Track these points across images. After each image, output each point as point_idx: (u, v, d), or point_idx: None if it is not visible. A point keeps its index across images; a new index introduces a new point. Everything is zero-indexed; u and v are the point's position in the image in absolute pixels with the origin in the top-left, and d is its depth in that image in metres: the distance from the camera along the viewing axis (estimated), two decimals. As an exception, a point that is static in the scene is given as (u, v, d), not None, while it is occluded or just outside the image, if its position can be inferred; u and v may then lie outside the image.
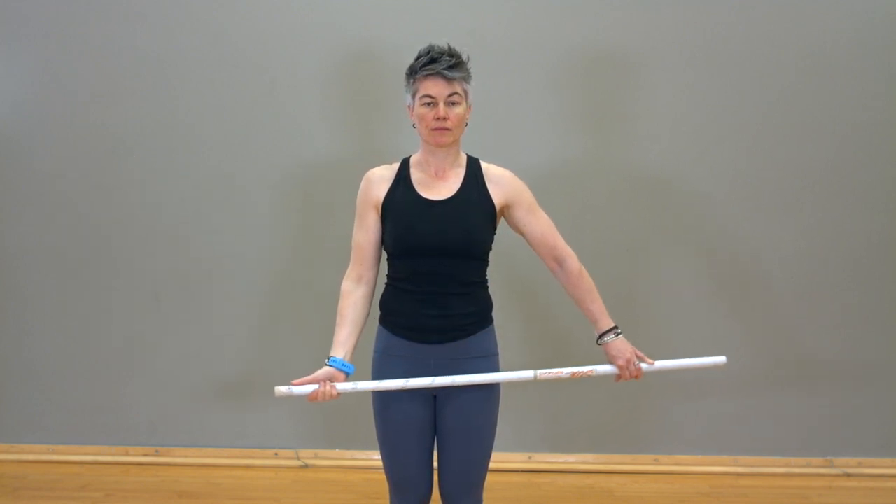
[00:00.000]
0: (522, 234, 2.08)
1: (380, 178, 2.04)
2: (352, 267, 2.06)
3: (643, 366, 2.09)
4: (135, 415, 3.45)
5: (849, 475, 3.32)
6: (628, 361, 2.06)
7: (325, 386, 1.95)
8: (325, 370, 1.98)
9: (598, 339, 2.12)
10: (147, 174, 3.36)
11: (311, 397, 1.97)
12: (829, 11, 3.19)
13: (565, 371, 2.04)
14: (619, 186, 3.27)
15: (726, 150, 3.26)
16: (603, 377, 2.11)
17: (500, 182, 2.03)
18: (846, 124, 3.24)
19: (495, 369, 2.05)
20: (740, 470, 3.34)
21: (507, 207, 2.04)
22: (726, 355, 3.29)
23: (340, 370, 1.98)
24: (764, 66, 3.21)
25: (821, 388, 3.34)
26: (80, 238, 3.38)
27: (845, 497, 3.16)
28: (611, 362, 2.09)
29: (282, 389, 1.98)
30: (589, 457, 3.38)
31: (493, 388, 2.04)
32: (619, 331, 2.11)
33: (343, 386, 1.96)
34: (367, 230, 2.03)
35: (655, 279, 3.31)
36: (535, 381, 2.04)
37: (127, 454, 3.44)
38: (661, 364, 2.11)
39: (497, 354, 2.07)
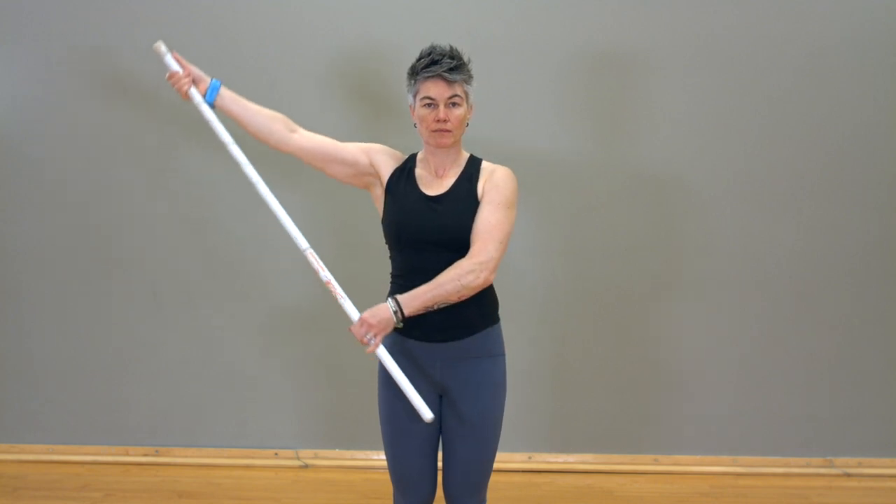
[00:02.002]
0: None
1: (392, 156, 2.09)
2: (304, 130, 2.14)
3: (371, 343, 1.91)
4: (135, 415, 3.45)
5: (849, 475, 3.32)
6: (368, 325, 1.89)
7: (185, 79, 2.09)
8: (200, 72, 2.13)
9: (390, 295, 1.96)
10: (147, 174, 3.36)
11: (169, 76, 2.11)
12: (829, 11, 3.19)
13: (324, 273, 2.00)
14: (619, 186, 3.27)
15: (726, 150, 3.26)
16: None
17: (489, 175, 2.02)
18: (846, 124, 3.24)
19: (502, 370, 2.05)
20: (740, 470, 3.34)
21: (481, 197, 1.99)
22: (726, 355, 3.34)
23: (210, 84, 2.10)
24: (764, 66, 3.21)
25: (821, 388, 3.34)
26: (80, 238, 3.38)
27: (845, 497, 3.16)
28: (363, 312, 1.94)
29: (161, 47, 2.11)
30: (589, 457, 3.39)
31: (498, 388, 2.04)
32: (400, 317, 1.89)
33: (195, 94, 2.10)
34: (343, 146, 2.09)
35: (655, 279, 3.31)
36: (302, 254, 2.05)
37: (127, 454, 3.44)
38: (385, 359, 1.94)
39: (504, 355, 2.07)
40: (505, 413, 2.11)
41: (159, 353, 3.41)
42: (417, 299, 1.90)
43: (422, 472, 2.07)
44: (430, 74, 1.92)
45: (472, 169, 2.03)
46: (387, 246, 2.07)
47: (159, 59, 2.12)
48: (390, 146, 2.16)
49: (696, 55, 3.21)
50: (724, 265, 3.30)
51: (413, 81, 1.97)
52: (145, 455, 3.44)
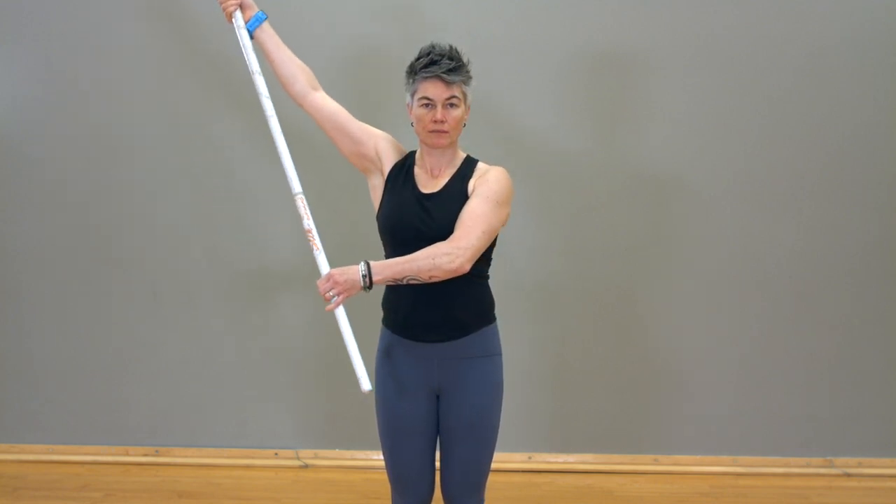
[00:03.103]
0: None
1: (396, 149, 2.10)
2: (324, 92, 2.17)
3: (332, 301, 1.89)
4: (135, 415, 3.45)
5: (849, 475, 3.32)
6: (334, 283, 1.87)
7: (234, 1, 2.15)
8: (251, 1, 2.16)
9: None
10: (147, 174, 3.36)
11: None
12: (829, 11, 3.19)
13: (308, 222, 2.02)
14: (619, 186, 3.27)
15: (726, 150, 3.26)
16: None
17: (481, 174, 2.01)
18: (846, 124, 3.24)
19: (499, 369, 2.05)
20: (740, 470, 3.34)
21: (471, 193, 1.98)
22: (725, 354, 3.34)
23: (256, 14, 2.17)
24: (764, 66, 3.21)
25: (821, 388, 3.34)
26: (80, 238, 3.38)
27: (845, 497, 3.16)
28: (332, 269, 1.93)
29: None
30: (589, 457, 3.38)
31: (496, 388, 2.04)
32: (368, 282, 1.86)
33: (238, 19, 2.15)
34: (359, 127, 2.10)
35: (655, 279, 3.31)
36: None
37: (127, 454, 3.44)
38: (341, 319, 1.95)
39: (500, 354, 2.07)
40: (505, 413, 2.11)
41: (159, 353, 3.41)
42: (388, 269, 1.88)
43: (420, 472, 2.06)
44: (428, 75, 1.92)
45: (466, 169, 2.03)
46: (381, 241, 2.07)
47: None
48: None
49: (696, 55, 3.21)
50: (724, 265, 3.30)
51: (411, 81, 1.97)
52: (145, 455, 3.44)
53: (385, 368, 2.03)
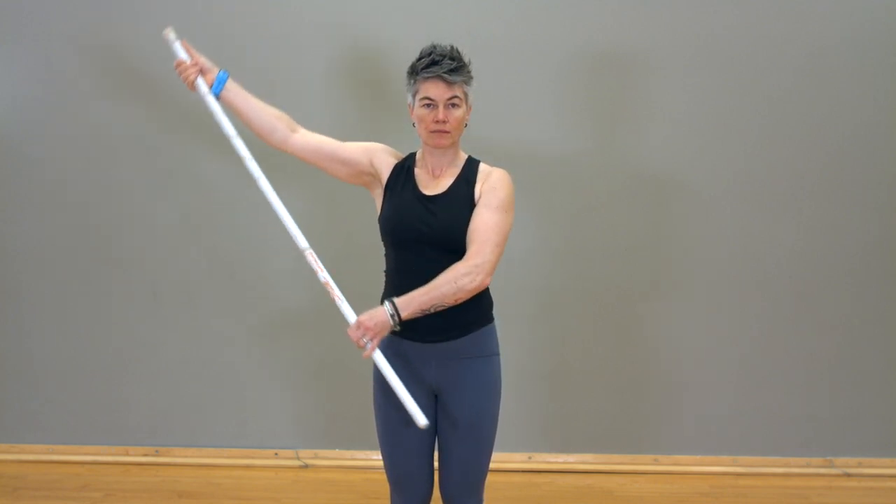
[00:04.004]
0: None
1: (391, 154, 2.10)
2: (305, 129, 2.14)
3: (367, 347, 1.89)
4: (135, 415, 3.45)
5: (849, 475, 3.32)
6: (365, 328, 1.87)
7: (193, 68, 2.06)
8: (208, 63, 2.09)
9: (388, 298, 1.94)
10: (147, 174, 3.36)
11: (177, 64, 2.08)
12: (829, 11, 3.19)
13: (322, 274, 1.99)
14: (619, 186, 3.27)
15: (726, 150, 3.26)
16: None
17: (485, 178, 2.01)
18: (846, 124, 3.24)
19: (497, 369, 2.05)
20: (740, 470, 3.34)
21: (478, 199, 1.99)
22: (725, 354, 3.34)
23: (217, 78, 2.08)
24: (764, 66, 3.21)
25: (821, 388, 3.34)
26: (80, 238, 3.38)
27: (845, 497, 3.16)
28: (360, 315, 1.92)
29: (170, 35, 2.07)
30: (589, 457, 3.39)
31: (494, 387, 2.04)
32: (397, 320, 1.88)
33: (202, 84, 2.07)
34: (342, 145, 2.09)
35: (655, 279, 3.31)
36: (301, 254, 2.03)
37: (127, 454, 3.44)
38: (381, 363, 1.93)
39: (498, 354, 2.07)
40: (505, 413, 2.12)
41: (159, 353, 3.41)
42: (414, 302, 1.89)
43: (419, 471, 2.06)
44: (430, 75, 1.92)
45: (469, 170, 2.03)
46: (382, 243, 2.07)
47: (167, 46, 2.10)
48: (389, 145, 2.16)
49: (696, 55, 3.21)
50: (724, 265, 3.30)
51: (413, 81, 1.97)
52: (145, 455, 3.44)
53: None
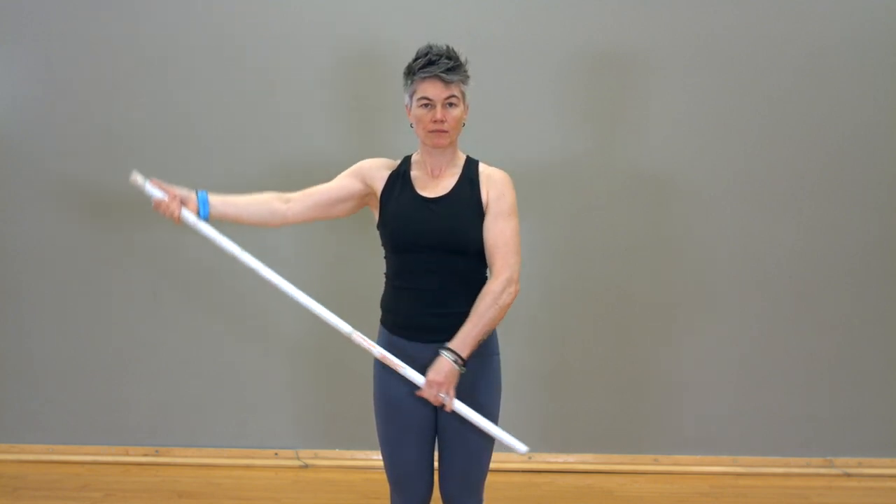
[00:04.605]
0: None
1: (381, 165, 2.08)
2: (295, 192, 2.09)
3: (445, 400, 1.93)
4: (135, 415, 3.45)
5: (849, 475, 3.32)
6: (437, 384, 1.91)
7: (173, 202, 1.97)
8: (185, 192, 1.99)
9: (440, 346, 1.95)
10: (147, 174, 3.33)
11: (156, 204, 1.97)
12: (829, 11, 3.19)
13: (377, 350, 1.97)
14: (619, 186, 3.27)
15: (726, 150, 3.26)
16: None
17: (490, 181, 2.02)
18: (846, 124, 3.24)
19: (497, 369, 2.05)
20: (740, 470, 3.34)
21: (486, 205, 2.00)
22: (725, 354, 3.34)
23: (198, 203, 2.00)
24: (764, 66, 3.21)
25: (821, 388, 3.34)
26: (80, 238, 3.38)
27: (845, 497, 3.16)
28: (426, 373, 1.94)
29: (137, 178, 1.96)
30: (589, 457, 3.38)
31: (494, 387, 2.04)
32: (461, 363, 1.91)
33: (187, 215, 1.97)
34: (334, 185, 2.07)
35: (655, 279, 3.31)
36: (348, 340, 1.98)
37: (127, 454, 3.44)
38: (464, 409, 1.96)
39: (498, 354, 2.07)
40: (505, 413, 2.11)
41: (159, 353, 3.41)
42: (468, 338, 1.92)
43: (419, 470, 2.06)
44: (427, 75, 1.92)
45: (470, 171, 2.03)
46: (382, 248, 2.07)
47: (139, 190, 1.98)
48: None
49: (696, 55, 3.21)
50: (724, 265, 3.30)
51: (410, 81, 1.97)
52: (145, 455, 3.44)
53: (383, 369, 2.03)
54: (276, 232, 3.31)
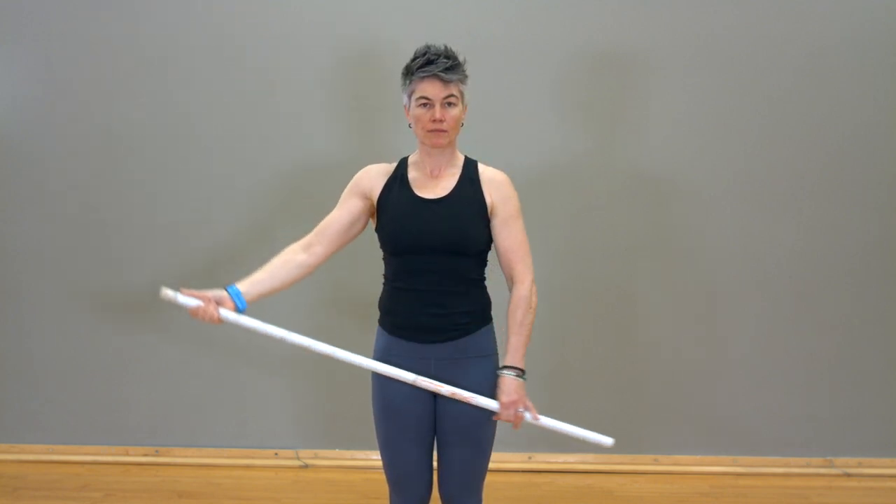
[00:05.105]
0: (493, 240, 2.04)
1: (377, 173, 2.06)
2: (309, 235, 2.06)
3: (526, 416, 1.99)
4: (135, 415, 3.45)
5: (849, 475, 3.32)
6: (512, 403, 1.97)
7: (209, 306, 1.92)
8: (218, 292, 1.95)
9: (498, 368, 2.02)
10: (147, 174, 3.36)
11: (192, 313, 1.93)
12: (829, 11, 3.19)
13: (446, 388, 1.96)
14: (619, 186, 3.27)
15: (726, 150, 3.26)
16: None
17: (493, 184, 2.02)
18: (846, 124, 3.24)
19: (494, 369, 2.05)
20: (740, 470, 3.34)
21: (492, 210, 2.02)
22: (725, 354, 3.33)
23: (232, 299, 1.96)
24: (764, 66, 3.21)
25: (821, 388, 3.34)
26: (80, 238, 3.38)
27: (845, 497, 3.16)
28: (498, 398, 1.99)
29: (168, 293, 1.93)
30: (589, 457, 3.39)
31: (492, 387, 2.04)
32: (524, 377, 2.00)
33: (227, 314, 1.93)
34: (342, 211, 2.05)
35: (655, 279, 3.31)
36: (413, 385, 1.96)
37: (127, 454, 3.44)
38: (544, 421, 2.02)
39: (496, 354, 2.07)
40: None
41: (159, 353, 3.41)
42: (520, 350, 2.01)
43: (418, 470, 2.06)
44: (425, 74, 1.91)
45: (470, 172, 2.03)
46: (381, 249, 2.06)
47: (172, 304, 1.95)
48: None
49: (696, 55, 3.21)
50: (724, 265, 3.30)
51: (408, 81, 1.96)
52: (145, 455, 3.44)
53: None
54: (273, 239, 3.32)
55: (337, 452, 3.42)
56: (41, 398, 3.46)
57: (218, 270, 3.36)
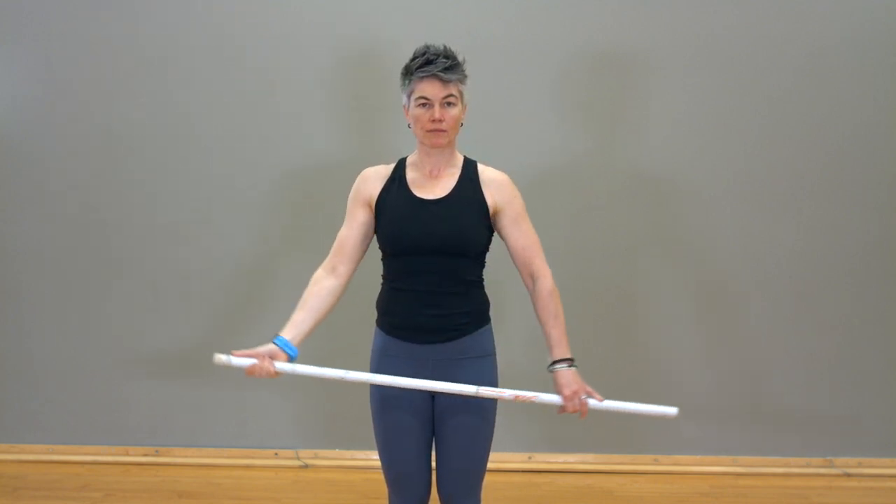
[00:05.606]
0: (504, 241, 2.06)
1: (374, 176, 2.06)
2: (329, 257, 2.07)
3: (590, 402, 1.99)
4: (135, 415, 3.45)
5: (849, 475, 3.32)
6: (575, 393, 1.97)
7: (263, 362, 1.93)
8: (268, 347, 1.97)
9: (549, 365, 2.04)
10: (147, 174, 3.36)
11: (249, 371, 1.94)
12: (829, 11, 3.19)
13: (508, 393, 1.96)
14: (619, 186, 3.27)
15: (726, 150, 3.26)
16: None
17: (494, 185, 2.03)
18: (846, 124, 3.24)
19: (492, 369, 2.05)
20: (740, 470, 3.34)
21: (497, 212, 2.02)
22: (726, 354, 3.33)
23: (283, 350, 1.97)
24: (764, 66, 3.21)
25: (820, 388, 3.34)
26: (80, 238, 3.38)
27: (845, 497, 3.16)
28: (557, 392, 2.00)
29: (221, 357, 1.94)
30: (589, 457, 3.38)
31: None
32: (575, 364, 2.03)
33: (282, 366, 1.95)
34: (352, 225, 2.05)
35: (655, 279, 3.31)
36: (475, 396, 1.96)
37: (127, 454, 3.44)
38: (609, 403, 2.04)
39: (494, 354, 2.07)
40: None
41: (159, 353, 3.41)
42: (562, 341, 2.07)
43: (416, 471, 2.06)
44: (425, 74, 1.91)
45: (469, 172, 2.03)
46: (379, 250, 2.06)
47: (228, 368, 1.97)
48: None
49: (696, 55, 3.21)
50: (724, 265, 3.30)
51: (407, 81, 1.96)
52: (145, 455, 3.44)
53: (380, 370, 2.03)
54: (274, 239, 3.33)
55: (337, 452, 3.42)
56: (41, 398, 3.46)
57: (218, 270, 3.37)
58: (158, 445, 3.45)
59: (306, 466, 3.40)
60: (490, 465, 2.11)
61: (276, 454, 3.43)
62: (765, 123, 3.24)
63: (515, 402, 1.97)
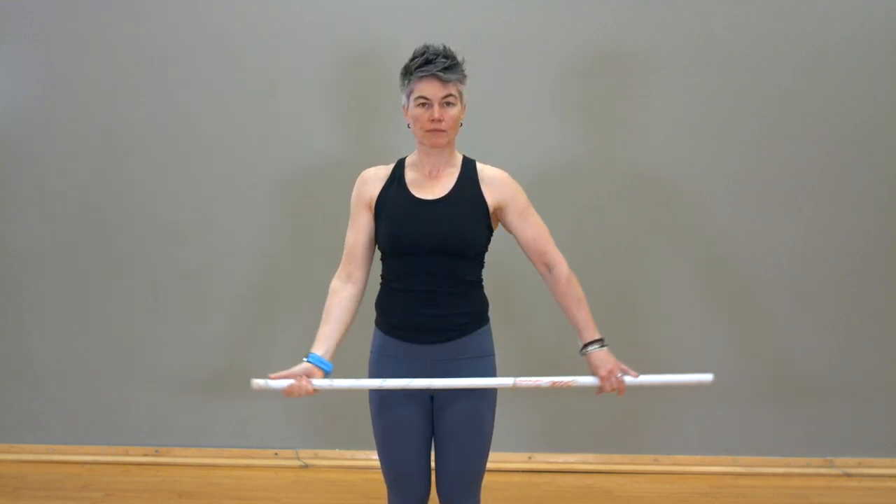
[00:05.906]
0: (514, 236, 2.07)
1: (373, 178, 2.06)
2: (342, 266, 2.07)
3: (626, 379, 2.03)
4: (135, 415, 3.45)
5: (849, 475, 3.32)
6: (610, 373, 2.01)
7: (301, 381, 1.93)
8: (303, 366, 1.96)
9: (581, 349, 2.07)
10: (147, 174, 3.36)
11: (287, 392, 1.95)
12: (829, 11, 3.19)
13: (545, 380, 1.98)
14: (619, 186, 3.27)
15: (726, 150, 3.26)
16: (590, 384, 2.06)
17: (494, 183, 2.03)
18: (846, 124, 3.24)
19: (491, 370, 2.05)
20: (740, 470, 3.34)
21: (500, 209, 2.03)
22: (725, 355, 3.33)
23: (318, 367, 1.97)
24: (764, 66, 3.21)
25: (820, 388, 3.33)
26: (80, 238, 3.38)
27: (845, 497, 3.16)
28: (593, 373, 2.03)
29: (259, 382, 1.95)
30: (589, 457, 3.39)
31: (489, 390, 2.04)
32: (605, 343, 2.05)
33: (320, 382, 1.95)
34: (358, 229, 2.05)
35: (655, 279, 3.31)
36: (513, 389, 1.97)
37: (127, 454, 3.45)
38: (644, 378, 2.05)
39: (493, 355, 2.07)
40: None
41: (159, 353, 3.41)
42: (589, 323, 2.09)
43: (416, 472, 2.06)
44: (424, 74, 1.91)
45: (468, 171, 2.03)
46: (379, 251, 2.06)
47: (267, 392, 1.99)
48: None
49: (696, 55, 3.21)
50: (724, 265, 3.30)
51: (407, 81, 1.96)
52: (145, 455, 3.44)
53: (379, 370, 2.03)
54: (274, 239, 3.33)
55: (337, 452, 3.42)
56: (41, 398, 3.46)
57: (218, 271, 3.37)
58: (158, 445, 3.45)
59: (306, 466, 3.40)
60: (490, 465, 2.11)
61: (276, 454, 3.43)
62: (765, 123, 3.24)
63: (552, 389, 1.99)
